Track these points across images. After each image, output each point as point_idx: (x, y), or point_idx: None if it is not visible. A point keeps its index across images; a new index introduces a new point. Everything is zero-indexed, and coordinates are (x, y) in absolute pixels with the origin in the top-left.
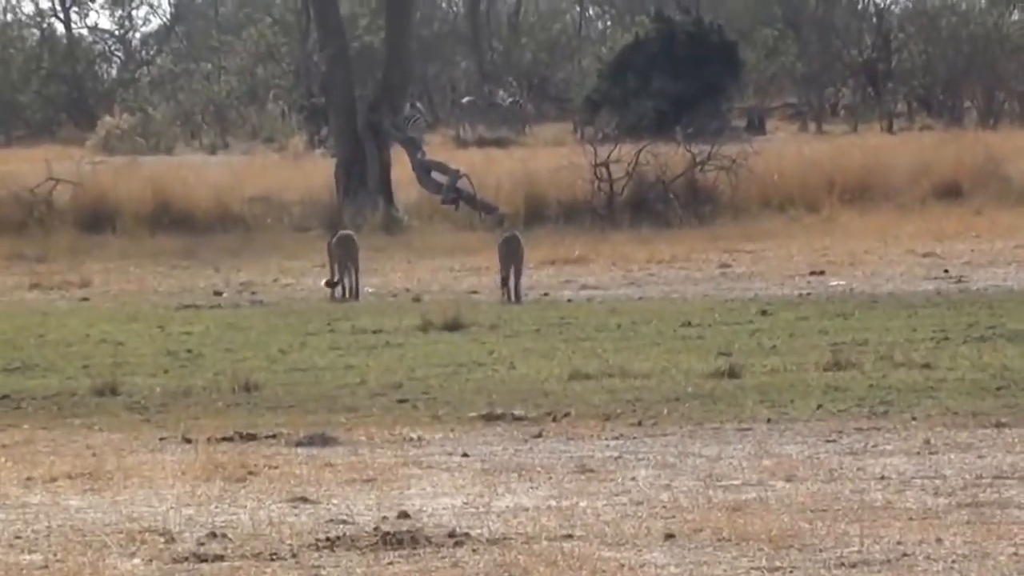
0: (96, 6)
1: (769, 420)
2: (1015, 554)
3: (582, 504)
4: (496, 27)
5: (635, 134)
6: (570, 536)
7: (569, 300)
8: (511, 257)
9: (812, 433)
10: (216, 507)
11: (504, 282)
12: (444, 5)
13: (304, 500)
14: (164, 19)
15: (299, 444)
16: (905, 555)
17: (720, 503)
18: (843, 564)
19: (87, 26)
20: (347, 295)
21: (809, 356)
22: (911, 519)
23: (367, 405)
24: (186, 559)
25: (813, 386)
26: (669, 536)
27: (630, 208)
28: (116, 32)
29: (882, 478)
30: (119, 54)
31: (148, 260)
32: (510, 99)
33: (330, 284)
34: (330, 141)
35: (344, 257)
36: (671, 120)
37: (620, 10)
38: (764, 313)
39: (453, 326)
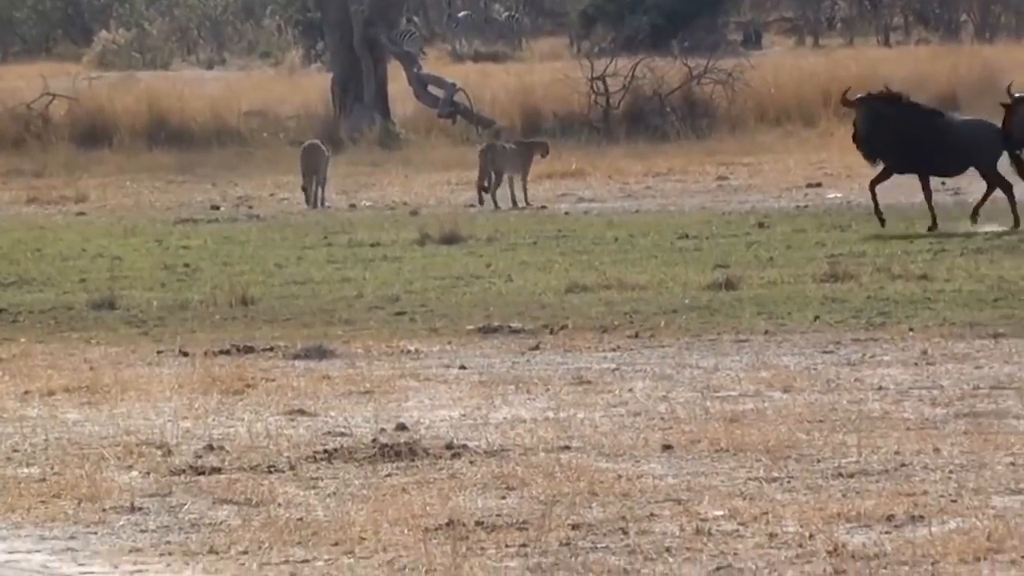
0: None
1: (766, 332)
2: (1012, 463)
3: (579, 416)
4: None
5: (631, 48)
6: (567, 447)
7: (566, 213)
8: (491, 165)
9: (809, 344)
10: (213, 420)
11: (482, 189)
12: None
13: (301, 412)
14: None
15: (296, 357)
16: (903, 465)
17: (717, 414)
18: (841, 474)
19: None
20: (310, 203)
21: (806, 268)
22: (909, 429)
23: (364, 318)
24: (183, 472)
25: (810, 298)
26: (667, 447)
27: (627, 122)
28: None
29: (880, 389)
30: None
31: (145, 175)
32: (506, 13)
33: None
34: (326, 56)
35: (308, 167)
36: (667, 34)
37: None
38: (761, 225)
39: (450, 239)
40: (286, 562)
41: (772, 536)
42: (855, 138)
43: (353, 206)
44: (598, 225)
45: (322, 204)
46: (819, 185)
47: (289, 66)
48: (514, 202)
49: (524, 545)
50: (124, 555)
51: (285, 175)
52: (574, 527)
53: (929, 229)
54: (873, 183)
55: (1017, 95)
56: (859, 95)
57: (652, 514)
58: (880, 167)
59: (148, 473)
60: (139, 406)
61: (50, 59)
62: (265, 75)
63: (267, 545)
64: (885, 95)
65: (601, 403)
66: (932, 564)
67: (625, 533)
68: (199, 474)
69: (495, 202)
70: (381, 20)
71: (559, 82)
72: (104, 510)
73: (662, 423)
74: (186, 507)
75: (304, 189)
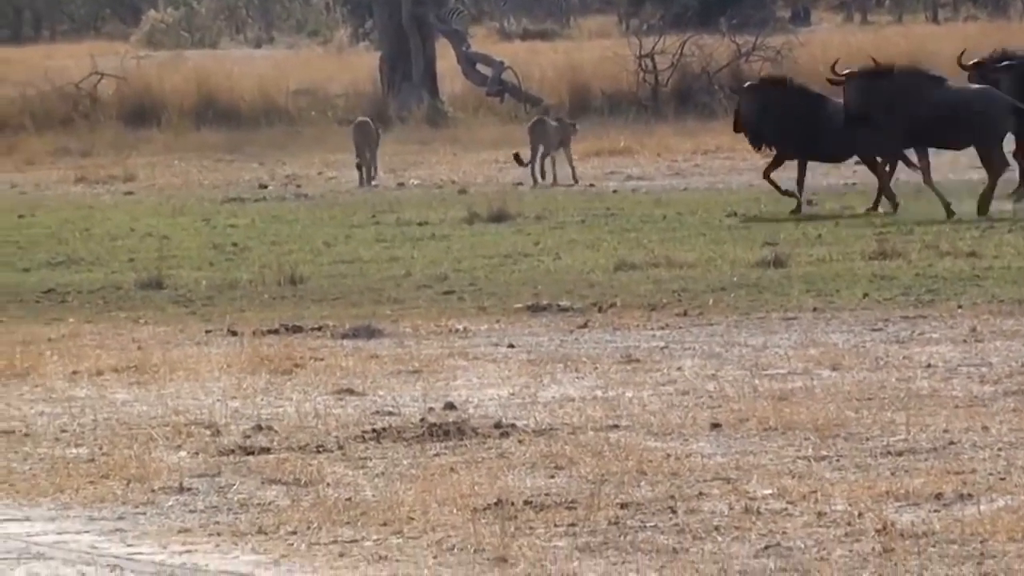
0: None
1: (815, 309)
2: None
3: (628, 394)
4: None
5: (680, 26)
6: (616, 426)
7: (614, 191)
8: (539, 139)
9: (858, 322)
10: (262, 399)
11: (526, 162)
12: None
13: (350, 392)
14: None
15: (345, 336)
16: (952, 443)
17: (766, 392)
18: (889, 452)
19: None
20: (363, 182)
21: (855, 245)
22: (957, 407)
23: (413, 297)
24: (232, 451)
25: (859, 275)
26: (715, 426)
27: (675, 99)
28: None
29: (928, 366)
30: None
31: (193, 154)
32: None
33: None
34: (375, 34)
35: (360, 144)
36: (716, 11)
37: None
38: (809, 203)
39: (498, 217)
40: (335, 542)
41: (821, 515)
42: (737, 125)
43: (401, 184)
44: (646, 203)
45: (370, 182)
46: None
47: (337, 45)
48: (555, 178)
49: (573, 524)
50: (173, 535)
51: (333, 154)
52: (623, 506)
53: (792, 212)
54: (767, 171)
55: (847, 71)
56: (749, 83)
57: (701, 493)
58: (771, 152)
59: (197, 453)
60: (187, 386)
61: (98, 38)
62: (313, 53)
63: (316, 525)
64: (771, 80)
65: (649, 382)
66: (981, 542)
67: (674, 512)
68: (248, 454)
69: (539, 176)
70: None
71: (607, 60)
72: (153, 490)
73: (710, 401)
74: (235, 487)
75: (359, 167)
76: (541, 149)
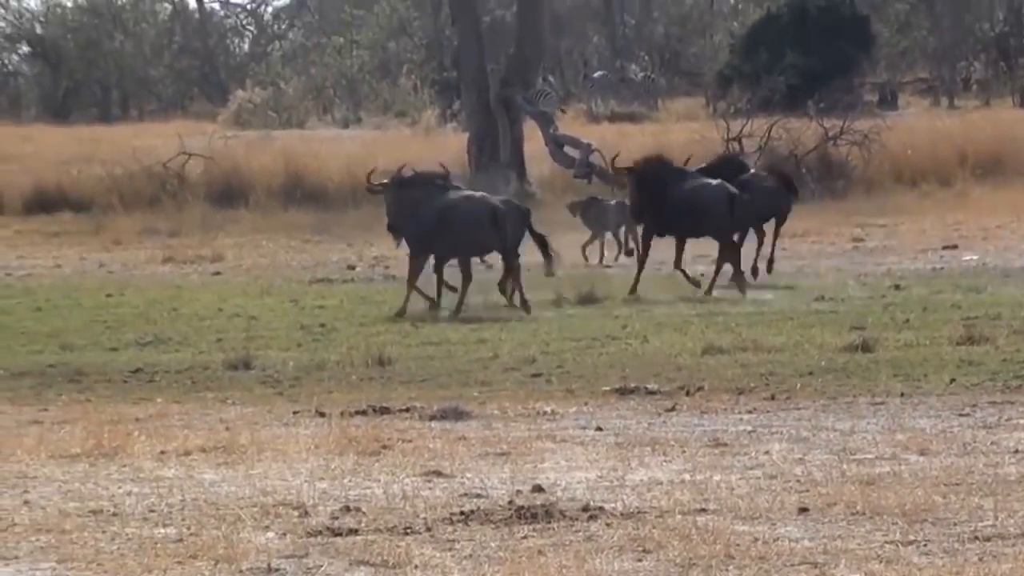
0: None
1: (903, 394)
2: None
3: (716, 478)
4: (628, 2)
5: (767, 109)
6: (704, 510)
7: (702, 275)
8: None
9: (945, 407)
10: (350, 481)
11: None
12: None
13: (438, 474)
14: None
15: (433, 418)
16: None
17: (854, 477)
18: (977, 538)
19: (219, 1)
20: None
21: (942, 330)
22: None
23: (500, 379)
24: (320, 532)
25: (946, 360)
26: (803, 510)
27: None
28: (248, 6)
29: (1016, 452)
30: (251, 28)
31: (280, 234)
32: (642, 74)
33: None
34: (462, 115)
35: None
36: (803, 95)
37: None
38: (897, 287)
39: (587, 300)
40: None
41: None
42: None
43: (490, 266)
44: (734, 286)
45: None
46: (955, 247)
47: (425, 125)
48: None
49: None
50: None
51: None
52: None
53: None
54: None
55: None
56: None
57: None
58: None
59: (285, 534)
60: (275, 466)
61: (186, 118)
62: (401, 134)
63: None
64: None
65: (737, 465)
66: None
67: None
68: (336, 535)
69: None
70: (517, 80)
71: (695, 143)
72: (241, 571)
73: (798, 486)
74: (323, 568)
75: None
76: (601, 231)
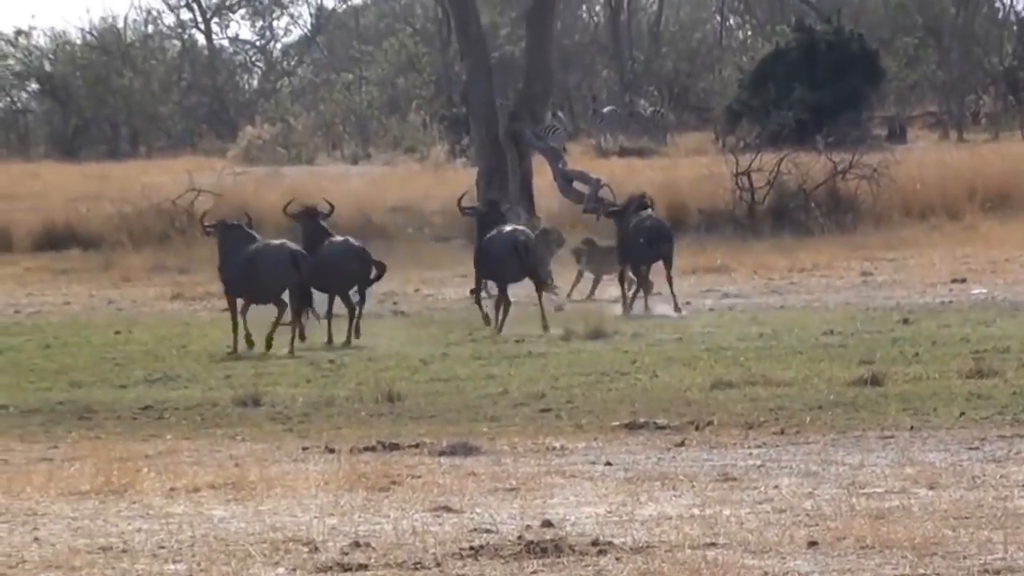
0: (237, 17)
1: (912, 428)
2: None
3: (725, 512)
4: (637, 37)
5: (776, 143)
6: (713, 544)
7: (711, 309)
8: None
9: (955, 440)
10: (359, 516)
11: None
12: (585, 15)
13: (447, 509)
14: (305, 30)
15: (442, 453)
16: None
17: (863, 511)
18: (987, 571)
19: (228, 37)
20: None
21: (951, 364)
22: None
23: (509, 414)
24: (330, 568)
25: (956, 394)
26: (812, 544)
27: (771, 217)
28: (257, 43)
29: None
30: (260, 65)
31: None
32: (651, 109)
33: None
34: (471, 151)
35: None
36: (812, 129)
37: (760, 20)
38: (906, 321)
39: (595, 335)
40: None
41: None
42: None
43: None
44: (743, 321)
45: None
46: (964, 281)
47: (434, 161)
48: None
49: None
50: None
51: (430, 271)
52: None
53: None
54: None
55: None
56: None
57: None
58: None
59: (294, 570)
60: (285, 503)
61: (195, 154)
62: (410, 170)
63: None
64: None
65: (747, 500)
66: None
67: None
68: (346, 571)
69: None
70: (526, 115)
71: (704, 178)
72: None
73: (808, 520)
74: None
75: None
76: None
